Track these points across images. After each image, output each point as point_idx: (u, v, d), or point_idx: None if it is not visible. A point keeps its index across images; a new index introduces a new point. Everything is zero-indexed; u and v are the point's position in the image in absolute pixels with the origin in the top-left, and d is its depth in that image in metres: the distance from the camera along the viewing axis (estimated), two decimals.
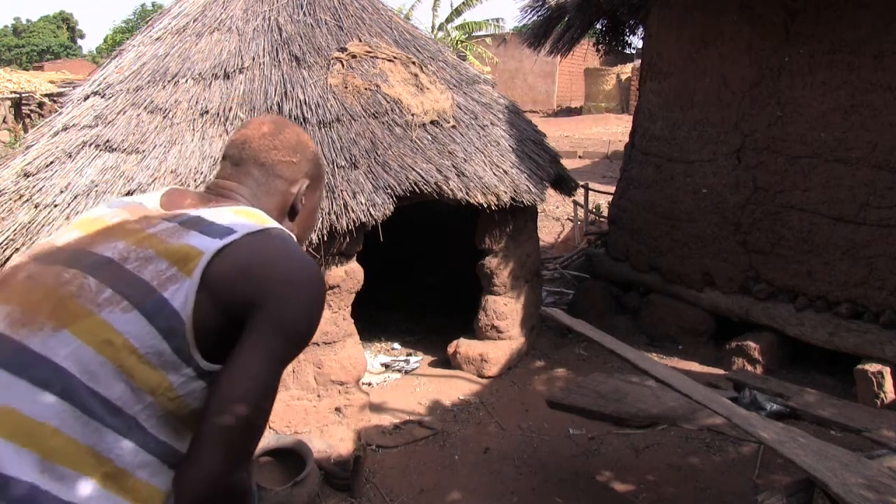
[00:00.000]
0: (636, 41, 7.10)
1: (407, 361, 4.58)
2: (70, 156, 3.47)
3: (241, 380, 1.03)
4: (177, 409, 1.04)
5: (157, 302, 1.02)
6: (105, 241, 1.10)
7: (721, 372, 4.23)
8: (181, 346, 1.03)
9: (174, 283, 1.03)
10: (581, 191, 7.11)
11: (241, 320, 1.06)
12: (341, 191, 3.34)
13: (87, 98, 3.78)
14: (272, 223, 1.17)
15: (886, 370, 3.70)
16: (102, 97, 3.73)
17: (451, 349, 4.44)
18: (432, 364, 4.58)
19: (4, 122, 14.19)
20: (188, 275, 1.04)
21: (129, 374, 1.00)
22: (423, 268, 5.85)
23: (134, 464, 1.00)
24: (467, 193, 3.70)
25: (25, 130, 12.76)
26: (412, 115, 3.78)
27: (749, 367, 4.20)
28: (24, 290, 1.05)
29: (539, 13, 6.04)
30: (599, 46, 7.10)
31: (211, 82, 3.69)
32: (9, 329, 0.99)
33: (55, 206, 3.26)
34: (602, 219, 8.07)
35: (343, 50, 3.95)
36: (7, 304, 1.02)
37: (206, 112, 3.56)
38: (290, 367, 3.29)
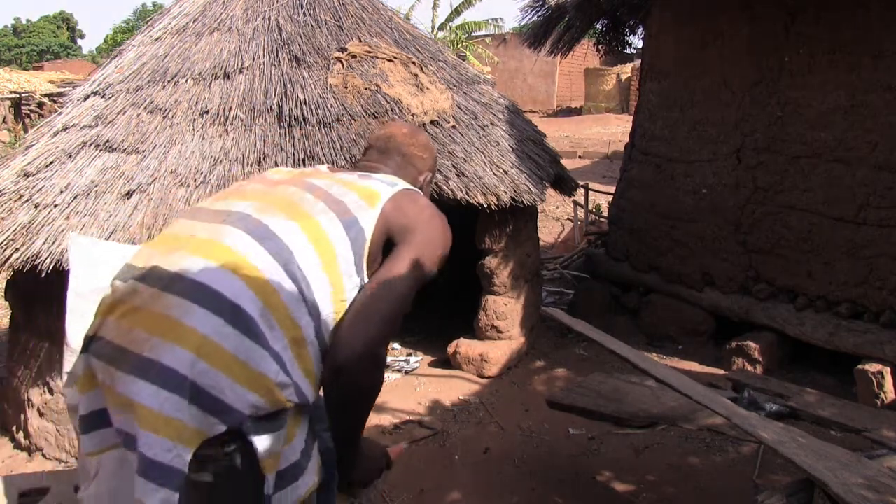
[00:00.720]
0: (636, 41, 7.10)
1: (407, 361, 4.58)
2: (70, 156, 3.47)
3: (394, 275, 1.39)
4: (338, 311, 1.35)
5: (352, 221, 1.40)
6: (311, 178, 1.50)
7: (721, 372, 4.22)
8: (359, 259, 1.38)
9: (363, 210, 1.42)
10: (581, 191, 7.11)
11: (393, 244, 1.44)
12: None
13: (87, 98, 3.78)
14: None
15: (886, 370, 3.70)
16: (102, 97, 3.72)
17: (451, 349, 4.44)
18: (432, 364, 4.58)
19: (4, 122, 14.20)
20: (372, 207, 1.43)
21: (325, 268, 1.34)
22: None
23: (309, 338, 1.29)
24: (467, 193, 3.70)
25: (25, 130, 12.76)
26: (412, 115, 3.78)
27: (749, 367, 4.19)
28: (259, 195, 1.44)
29: (539, 13, 6.04)
30: (599, 46, 7.10)
31: (211, 82, 3.69)
32: (255, 213, 1.37)
33: (55, 206, 3.25)
34: (602, 219, 8.07)
35: (343, 50, 3.95)
36: (250, 201, 1.41)
37: (206, 112, 3.56)
38: None
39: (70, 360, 1.43)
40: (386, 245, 1.44)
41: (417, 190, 1.59)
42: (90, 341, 1.29)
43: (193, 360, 1.17)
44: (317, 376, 1.31)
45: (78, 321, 1.51)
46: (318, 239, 1.35)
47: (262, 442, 1.19)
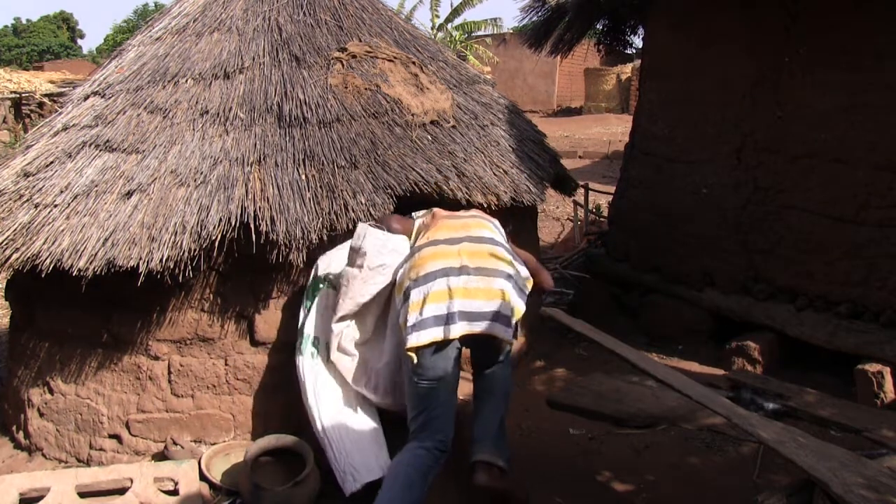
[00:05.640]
0: (636, 41, 7.10)
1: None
2: (70, 156, 3.47)
3: (528, 252, 3.26)
4: (523, 287, 2.88)
5: (508, 248, 2.97)
6: (475, 227, 3.01)
7: (721, 372, 4.22)
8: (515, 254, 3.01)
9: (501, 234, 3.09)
10: (581, 191, 7.12)
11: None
12: (341, 191, 3.34)
13: (87, 98, 3.78)
14: None
15: (886, 370, 3.70)
16: (102, 97, 3.73)
17: None
18: None
19: (4, 122, 14.21)
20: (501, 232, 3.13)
21: (512, 268, 2.85)
22: None
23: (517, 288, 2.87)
24: (467, 193, 3.70)
25: (25, 130, 12.78)
26: (412, 115, 3.78)
27: (749, 367, 4.19)
28: (470, 225, 3.02)
29: (539, 13, 6.04)
30: (600, 46, 7.09)
31: (211, 82, 3.69)
32: (482, 236, 2.96)
33: (55, 206, 3.26)
34: (602, 219, 8.07)
35: (343, 50, 3.94)
36: (467, 230, 2.97)
37: (206, 112, 3.56)
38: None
39: (346, 307, 3.02)
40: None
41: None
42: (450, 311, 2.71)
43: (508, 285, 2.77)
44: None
45: (361, 286, 2.99)
46: (493, 254, 2.84)
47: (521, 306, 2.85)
